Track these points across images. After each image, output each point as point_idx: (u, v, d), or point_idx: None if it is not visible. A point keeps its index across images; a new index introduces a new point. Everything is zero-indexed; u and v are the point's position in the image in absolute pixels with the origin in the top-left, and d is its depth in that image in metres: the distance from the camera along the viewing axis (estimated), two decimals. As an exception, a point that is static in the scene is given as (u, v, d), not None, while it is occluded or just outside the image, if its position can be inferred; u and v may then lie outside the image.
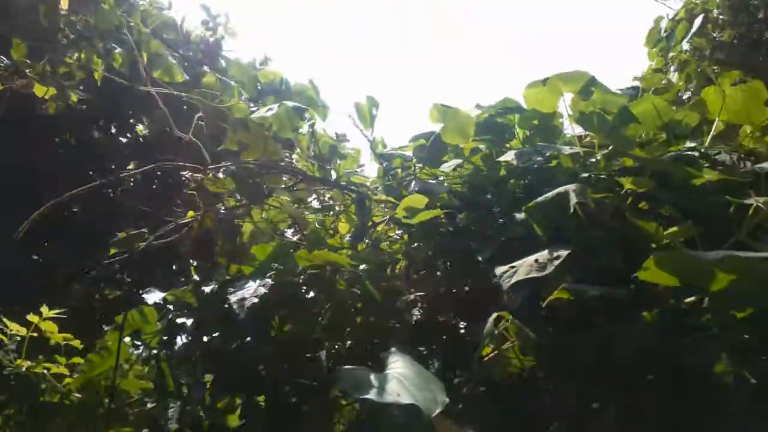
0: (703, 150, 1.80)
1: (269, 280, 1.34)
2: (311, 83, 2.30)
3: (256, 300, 1.27)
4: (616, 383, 1.17)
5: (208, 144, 2.21)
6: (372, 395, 1.10)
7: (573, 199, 1.32)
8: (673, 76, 5.42)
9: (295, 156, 2.20)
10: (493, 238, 1.55)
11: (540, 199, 1.37)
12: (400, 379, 1.17)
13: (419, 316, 1.54)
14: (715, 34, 6.09)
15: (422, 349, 1.47)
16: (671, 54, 5.90)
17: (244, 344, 1.39)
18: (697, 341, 1.17)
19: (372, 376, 1.17)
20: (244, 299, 1.27)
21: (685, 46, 6.09)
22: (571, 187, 1.36)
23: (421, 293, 1.56)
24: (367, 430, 1.23)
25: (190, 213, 1.74)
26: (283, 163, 2.05)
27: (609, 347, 1.17)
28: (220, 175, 1.90)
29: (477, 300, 1.47)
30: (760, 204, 1.27)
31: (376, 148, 2.16)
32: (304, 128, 2.22)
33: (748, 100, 1.86)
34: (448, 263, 1.70)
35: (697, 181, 1.47)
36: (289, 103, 1.88)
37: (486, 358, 1.22)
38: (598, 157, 1.75)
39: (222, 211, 1.76)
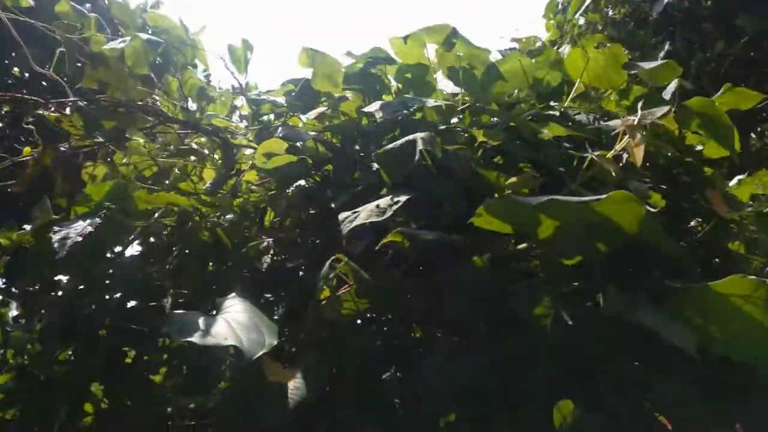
0: (563, 110, 1.86)
1: (98, 219, 1.25)
2: (180, 22, 2.16)
3: (80, 239, 1.18)
4: (448, 327, 1.20)
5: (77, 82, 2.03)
6: (195, 338, 1.06)
7: (419, 146, 1.32)
8: (565, 49, 5.62)
9: (158, 97, 2.06)
10: (350, 186, 1.53)
11: (389, 146, 1.36)
12: (229, 322, 1.13)
13: (270, 263, 1.50)
14: (608, 11, 6.35)
15: (269, 296, 1.44)
16: (566, 27, 6.10)
17: (71, 289, 1.30)
18: (524, 287, 1.21)
19: (201, 320, 1.13)
20: (66, 238, 1.18)
21: (582, 21, 6.32)
22: (419, 136, 1.36)
23: (274, 240, 1.52)
24: (194, 373, 1.20)
25: (27, 149, 1.59)
26: (142, 104, 1.92)
27: (442, 292, 1.19)
28: (68, 111, 1.75)
29: (329, 247, 1.45)
30: (594, 157, 1.32)
31: (248, 93, 2.07)
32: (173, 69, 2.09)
33: (608, 64, 1.94)
34: (309, 211, 1.67)
35: (544, 135, 1.51)
36: (143, 36, 1.75)
37: (322, 302, 1.21)
38: (463, 112, 1.77)
39: (63, 149, 1.62)
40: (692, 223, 1.75)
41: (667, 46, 5.52)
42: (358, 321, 1.25)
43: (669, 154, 1.84)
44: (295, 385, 1.10)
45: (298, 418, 1.10)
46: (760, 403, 1.14)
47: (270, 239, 1.53)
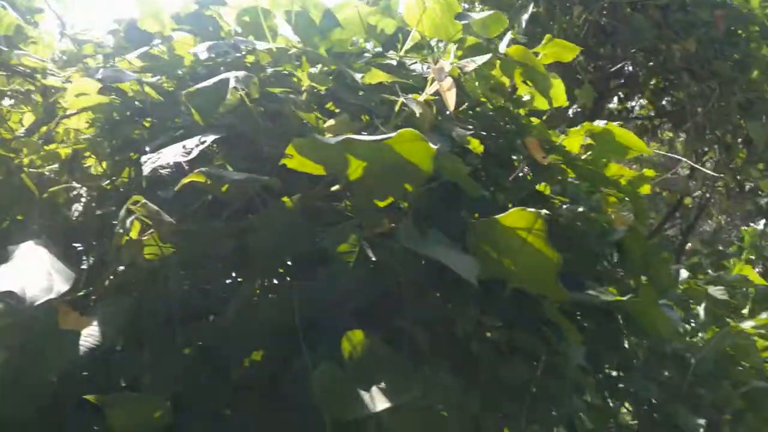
0: (399, 59, 1.89)
1: None
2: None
3: None
4: (254, 266, 1.20)
5: None
6: (-32, 286, 0.99)
7: (231, 84, 1.28)
8: None
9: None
10: (170, 130, 1.48)
11: (200, 85, 1.31)
12: (12, 270, 1.07)
13: (83, 212, 1.42)
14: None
15: (78, 245, 1.37)
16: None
17: None
18: (334, 227, 1.24)
19: (-23, 269, 1.05)
20: None
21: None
22: (233, 74, 1.32)
23: (88, 188, 1.44)
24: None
25: None
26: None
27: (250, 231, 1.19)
28: None
29: (143, 194, 1.39)
30: (404, 100, 1.36)
31: (70, 33, 1.92)
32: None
33: (444, 14, 1.98)
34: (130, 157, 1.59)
35: (366, 80, 1.53)
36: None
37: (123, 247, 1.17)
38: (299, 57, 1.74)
39: None
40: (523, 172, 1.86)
41: (531, 8, 5.74)
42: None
43: (499, 104, 1.94)
44: (89, 332, 1.07)
45: (94, 364, 1.07)
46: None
47: (83, 187, 1.44)
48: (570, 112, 5.92)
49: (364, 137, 1.10)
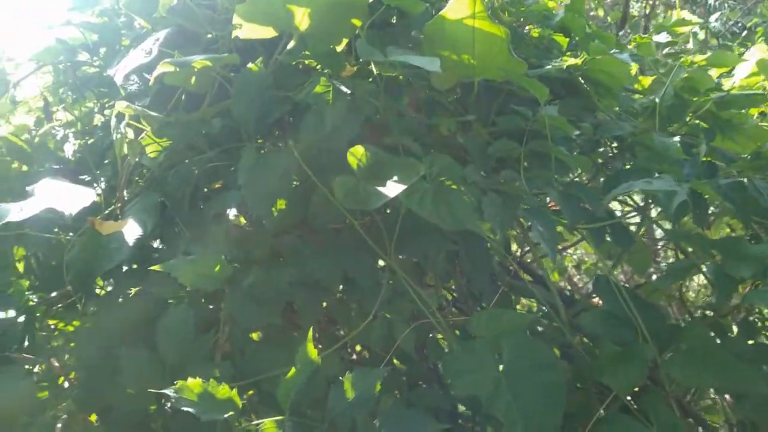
0: None
1: None
2: None
3: None
4: (246, 133, 1.31)
5: None
6: (12, 217, 1.11)
7: (161, -19, 1.33)
8: None
9: None
10: (119, 52, 1.53)
11: (133, -9, 1.36)
12: (41, 196, 1.17)
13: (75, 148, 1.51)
14: None
15: (85, 177, 1.47)
16: None
17: None
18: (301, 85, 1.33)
19: (12, 204, 1.16)
20: None
21: None
22: (160, -28, 1.37)
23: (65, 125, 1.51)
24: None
25: None
26: None
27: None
28: None
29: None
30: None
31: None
32: None
33: None
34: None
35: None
36: None
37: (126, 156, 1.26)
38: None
39: None
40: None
41: None
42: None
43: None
44: (128, 229, 1.19)
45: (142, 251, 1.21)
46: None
47: (64, 129, 1.52)
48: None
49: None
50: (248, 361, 1.10)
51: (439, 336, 1.51)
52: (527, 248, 2.06)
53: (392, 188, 1.06)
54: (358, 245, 1.23)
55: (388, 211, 1.32)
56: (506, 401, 1.01)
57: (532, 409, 1.01)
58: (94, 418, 1.15)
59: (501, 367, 1.04)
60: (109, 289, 1.41)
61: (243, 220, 1.46)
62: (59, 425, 1.03)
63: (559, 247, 2.08)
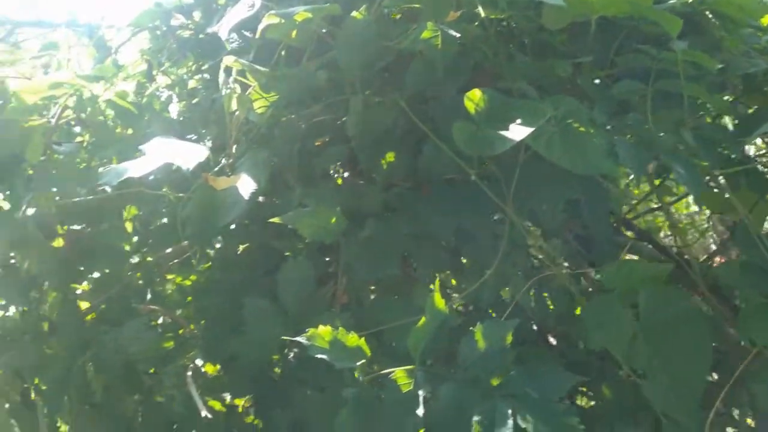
0: None
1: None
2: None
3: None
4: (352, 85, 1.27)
5: None
6: (132, 172, 1.13)
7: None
8: None
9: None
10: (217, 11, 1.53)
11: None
12: (157, 152, 1.18)
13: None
14: None
15: (191, 136, 1.48)
16: None
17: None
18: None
19: (130, 162, 1.18)
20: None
21: None
22: None
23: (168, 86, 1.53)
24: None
25: None
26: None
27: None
28: None
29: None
30: None
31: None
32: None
33: None
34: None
35: None
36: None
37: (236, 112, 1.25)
38: None
39: None
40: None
41: None
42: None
43: None
44: (242, 184, 1.19)
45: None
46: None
47: (168, 90, 1.54)
48: None
49: None
50: (368, 312, 1.08)
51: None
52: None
53: (518, 131, 0.99)
54: (472, 196, 1.18)
55: (503, 161, 1.25)
56: (647, 356, 0.94)
57: (676, 364, 0.94)
58: (214, 368, 1.17)
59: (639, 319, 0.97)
60: (218, 245, 1.43)
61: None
62: (189, 373, 1.05)
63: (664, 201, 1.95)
